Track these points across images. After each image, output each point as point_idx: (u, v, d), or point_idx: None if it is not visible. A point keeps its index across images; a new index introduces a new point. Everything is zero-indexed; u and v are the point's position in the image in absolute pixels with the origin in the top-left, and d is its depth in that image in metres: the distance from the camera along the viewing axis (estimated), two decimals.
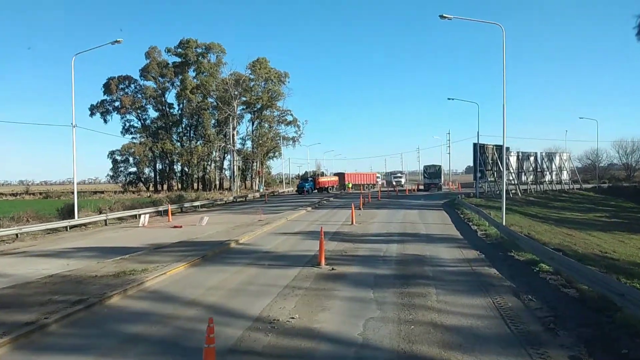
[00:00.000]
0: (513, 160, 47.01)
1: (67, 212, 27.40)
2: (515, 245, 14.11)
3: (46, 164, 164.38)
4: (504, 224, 19.84)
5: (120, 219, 26.51)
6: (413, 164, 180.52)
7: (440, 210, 29.56)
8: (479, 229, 19.10)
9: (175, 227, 21.90)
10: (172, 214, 31.27)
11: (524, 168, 48.82)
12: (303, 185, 58.18)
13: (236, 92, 75.77)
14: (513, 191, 44.16)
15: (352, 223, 20.94)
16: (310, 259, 12.50)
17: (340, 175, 68.03)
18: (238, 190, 73.54)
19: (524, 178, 48.52)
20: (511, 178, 46.12)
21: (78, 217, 24.13)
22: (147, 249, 14.55)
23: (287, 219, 23.49)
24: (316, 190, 58.01)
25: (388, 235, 17.49)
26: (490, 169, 43.73)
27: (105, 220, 24.80)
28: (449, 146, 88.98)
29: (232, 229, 19.34)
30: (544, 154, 52.05)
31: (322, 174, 70.03)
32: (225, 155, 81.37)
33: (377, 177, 79.93)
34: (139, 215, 23.88)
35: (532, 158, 50.12)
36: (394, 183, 74.00)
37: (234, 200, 43.86)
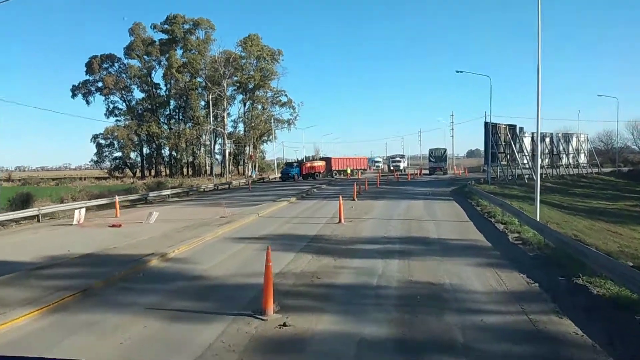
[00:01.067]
0: (527, 142, 41.77)
1: (20, 203, 22.60)
2: (575, 262, 9.10)
3: (43, 150, 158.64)
4: (537, 218, 14.92)
5: (62, 212, 21.50)
6: (414, 148, 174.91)
7: (450, 200, 24.51)
8: (507, 230, 14.06)
9: (113, 225, 16.91)
10: (134, 205, 26.33)
11: (540, 150, 43.52)
12: (288, 172, 52.10)
13: (226, 71, 70.36)
14: (528, 176, 39.03)
15: (339, 221, 15.89)
16: (258, 292, 7.41)
17: (327, 160, 60.88)
18: (229, 176, 68.57)
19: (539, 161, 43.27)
20: (525, 161, 40.93)
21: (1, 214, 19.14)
22: (20, 271, 9.52)
23: (260, 214, 18.39)
24: (301, 177, 52.04)
25: (386, 241, 12.45)
26: (503, 151, 38.49)
27: (37, 217, 19.82)
28: (452, 129, 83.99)
29: (179, 231, 14.32)
30: (560, 135, 46.72)
31: (310, 159, 62.81)
32: (217, 139, 76.11)
33: (378, 162, 74.73)
34: (77, 210, 18.87)
35: (547, 139, 44.83)
36: (392, 168, 68.05)
37: (215, 187, 38.80)
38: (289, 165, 57.31)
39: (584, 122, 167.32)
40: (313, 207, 22.04)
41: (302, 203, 24.00)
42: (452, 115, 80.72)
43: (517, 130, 40.49)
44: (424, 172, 60.95)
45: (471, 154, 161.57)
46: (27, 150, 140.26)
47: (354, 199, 24.11)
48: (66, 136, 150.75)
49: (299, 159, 70.58)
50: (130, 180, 62.34)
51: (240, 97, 76.97)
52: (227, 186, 41.19)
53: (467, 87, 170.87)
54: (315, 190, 32.69)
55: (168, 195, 30.46)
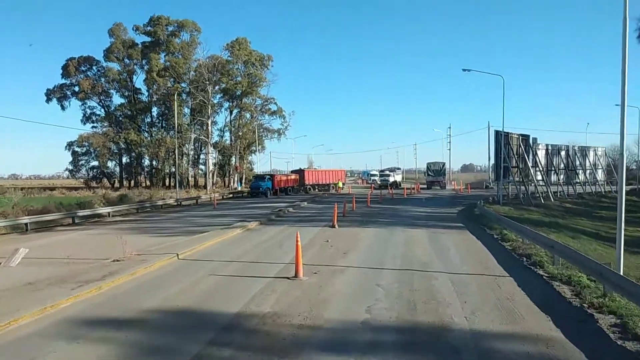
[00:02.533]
0: (541, 154, 35.60)
1: None
2: None
3: (37, 158, 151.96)
4: (621, 272, 8.75)
5: None
6: (409, 161, 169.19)
7: (462, 228, 18.08)
8: (583, 299, 7.75)
9: None
10: (55, 226, 19.88)
11: (555, 164, 37.41)
12: (258, 186, 42.43)
13: (211, 76, 64.41)
14: (545, 194, 32.82)
15: (296, 274, 9.44)
16: None
17: (300, 173, 51.91)
18: (213, 187, 62.28)
19: (553, 178, 37.07)
20: (539, 178, 34.66)
21: None
22: None
23: (181, 254, 11.73)
24: (274, 192, 43.67)
25: (368, 341, 6.02)
26: (516, 164, 32.24)
27: None
28: (450, 142, 78.53)
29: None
30: (576, 148, 40.58)
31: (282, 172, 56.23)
32: (203, 148, 69.71)
33: (374, 175, 67.92)
34: None
35: (562, 153, 38.69)
36: (379, 182, 59.84)
37: (178, 203, 32.30)
38: (259, 178, 46.84)
39: (594, 134, 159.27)
40: (274, 238, 15.51)
41: (263, 231, 17.47)
42: (450, 127, 75.21)
43: (531, 141, 34.35)
44: (421, 187, 54.86)
45: (465, 168, 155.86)
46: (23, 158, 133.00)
47: (333, 225, 17.73)
48: (41, 142, 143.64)
49: (272, 171, 64.19)
50: (103, 192, 55.98)
51: (228, 105, 70.86)
52: (194, 201, 34.69)
53: (464, 99, 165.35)
54: (291, 209, 26.22)
55: (109, 213, 23.97)
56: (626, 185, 40.67)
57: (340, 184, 53.17)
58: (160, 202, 30.77)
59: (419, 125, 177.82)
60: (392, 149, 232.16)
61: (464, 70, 30.28)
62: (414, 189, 47.34)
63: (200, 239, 14.12)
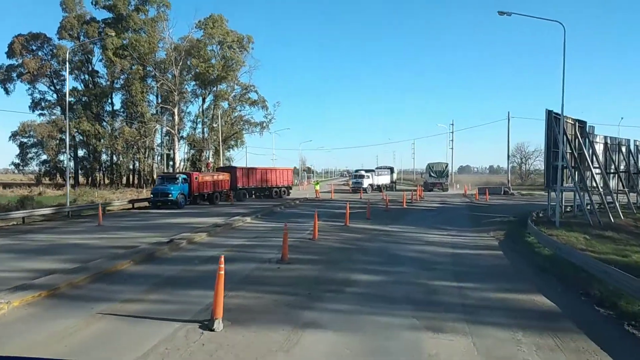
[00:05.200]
0: (599, 149, 24.06)
1: None
2: None
3: None
4: None
5: None
6: (407, 161, 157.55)
7: (567, 328, 6.45)
8: None
9: None
10: None
11: (616, 164, 25.91)
12: (164, 191, 26.51)
13: (178, 57, 53.02)
14: (612, 206, 21.43)
15: None
16: None
17: (232, 172, 35.25)
18: None
19: (612, 183, 25.51)
20: (596, 182, 22.99)
21: None
22: None
23: None
24: (190, 200, 28.57)
25: None
26: (574, 163, 20.61)
27: None
28: (452, 140, 67.05)
29: None
30: (638, 143, 28.95)
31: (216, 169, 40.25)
32: (175, 142, 58.16)
33: (360, 176, 54.63)
34: None
35: (624, 149, 27.16)
36: (351, 184, 48.35)
37: (66, 215, 20.69)
38: (166, 179, 28.94)
39: (628, 128, 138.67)
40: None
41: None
42: (452, 124, 63.86)
43: (587, 130, 22.78)
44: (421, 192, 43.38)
45: (462, 170, 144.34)
46: None
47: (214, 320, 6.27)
48: None
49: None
50: (55, 190, 45.02)
51: (200, 91, 59.35)
52: (104, 210, 22.90)
53: (460, 96, 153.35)
54: (202, 237, 14.51)
55: None
56: None
57: (317, 186, 40.98)
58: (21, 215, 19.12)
59: (419, 123, 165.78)
60: (391, 143, 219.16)
61: (501, 13, 18.60)
62: (416, 194, 35.64)
63: None
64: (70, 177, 56.92)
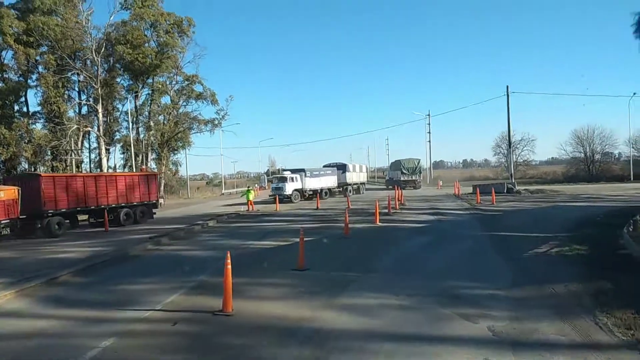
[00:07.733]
0: None
1: None
2: None
3: None
4: None
5: None
6: (382, 159, 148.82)
7: None
8: None
9: None
10: None
11: None
12: None
13: (102, 44, 42.14)
14: None
15: None
16: None
17: (32, 184, 18.81)
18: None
19: None
20: None
21: None
22: None
23: None
24: None
25: None
26: None
27: None
28: (430, 132, 58.93)
29: None
30: None
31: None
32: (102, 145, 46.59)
33: (282, 179, 35.20)
34: None
35: None
36: (270, 193, 36.46)
37: None
38: None
39: None
40: None
41: None
42: (429, 115, 55.38)
43: None
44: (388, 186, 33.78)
45: (436, 165, 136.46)
46: None
47: None
48: None
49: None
50: None
51: (130, 84, 48.19)
52: None
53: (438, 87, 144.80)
54: None
55: None
56: None
57: (250, 196, 27.97)
58: None
59: (397, 119, 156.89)
60: (366, 140, 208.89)
61: None
62: (397, 200, 25.01)
63: None
64: None
